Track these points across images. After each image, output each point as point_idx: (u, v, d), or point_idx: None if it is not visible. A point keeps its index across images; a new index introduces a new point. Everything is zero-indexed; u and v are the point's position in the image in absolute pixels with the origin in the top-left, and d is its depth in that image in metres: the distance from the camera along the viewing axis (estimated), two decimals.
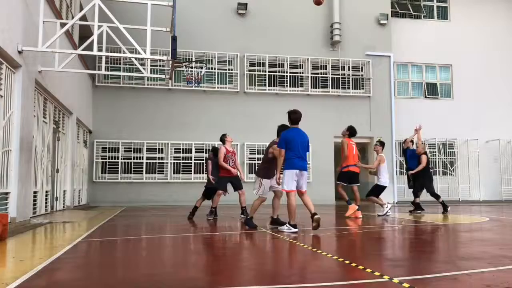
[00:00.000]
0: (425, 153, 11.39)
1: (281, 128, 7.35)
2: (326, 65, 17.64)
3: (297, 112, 6.87)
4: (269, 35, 17.17)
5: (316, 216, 6.49)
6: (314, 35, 17.73)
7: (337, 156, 18.19)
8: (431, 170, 11.73)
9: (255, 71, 17.11)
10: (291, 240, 5.81)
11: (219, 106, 16.42)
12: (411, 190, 11.59)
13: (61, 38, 9.48)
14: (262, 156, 16.62)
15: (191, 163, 16.08)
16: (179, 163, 16.15)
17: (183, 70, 14.47)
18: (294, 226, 6.57)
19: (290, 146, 6.63)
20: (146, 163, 15.92)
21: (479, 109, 19.05)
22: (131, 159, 15.88)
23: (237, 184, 9.31)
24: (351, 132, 9.72)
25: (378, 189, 10.11)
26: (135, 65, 10.45)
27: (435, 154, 18.72)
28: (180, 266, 4.28)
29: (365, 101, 17.73)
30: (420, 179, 11.17)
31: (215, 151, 9.41)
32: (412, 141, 11.68)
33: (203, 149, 16.11)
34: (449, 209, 11.01)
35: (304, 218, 7.98)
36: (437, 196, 11.13)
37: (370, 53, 17.92)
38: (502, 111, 19.33)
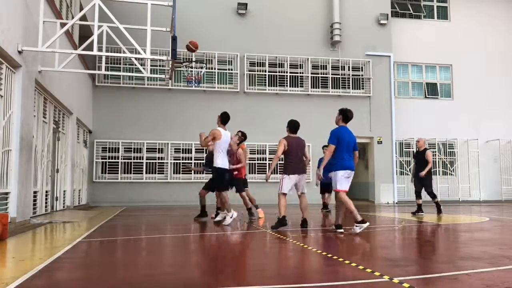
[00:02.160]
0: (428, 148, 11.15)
1: (291, 124, 7.56)
2: (326, 65, 17.63)
3: (352, 112, 6.78)
4: (269, 35, 17.17)
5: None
6: (314, 35, 17.72)
7: None
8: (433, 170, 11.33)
9: (255, 71, 17.11)
10: (291, 240, 5.81)
11: (219, 106, 16.29)
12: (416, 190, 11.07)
13: (61, 38, 9.48)
14: (262, 155, 16.68)
15: (191, 163, 16.07)
16: (179, 163, 16.15)
17: (183, 70, 14.45)
18: (363, 222, 6.45)
19: (341, 144, 6.52)
20: (146, 163, 15.92)
21: (479, 109, 19.05)
22: (131, 159, 15.88)
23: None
24: (245, 137, 9.42)
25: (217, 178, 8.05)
26: (135, 65, 10.45)
27: (435, 154, 18.71)
28: (180, 266, 4.28)
29: (365, 101, 17.72)
30: (425, 177, 10.60)
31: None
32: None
33: (203, 149, 16.08)
34: (423, 213, 10.54)
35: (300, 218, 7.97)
36: (434, 196, 10.73)
37: (370, 53, 17.91)
38: (502, 111, 19.32)
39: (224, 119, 8.14)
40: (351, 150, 6.62)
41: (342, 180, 6.52)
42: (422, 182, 10.64)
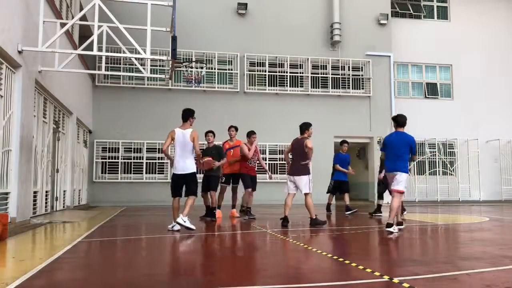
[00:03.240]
0: None
1: (304, 126, 7.85)
2: (326, 65, 17.63)
3: (403, 116, 7.10)
4: (269, 35, 17.16)
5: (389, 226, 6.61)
6: (314, 35, 17.72)
7: None
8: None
9: (255, 71, 17.10)
10: (291, 240, 5.81)
11: (219, 106, 16.41)
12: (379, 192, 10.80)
13: (61, 38, 9.47)
14: (262, 155, 16.66)
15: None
16: None
17: (183, 70, 14.46)
18: (400, 224, 7.08)
19: (387, 149, 7.02)
20: (146, 163, 15.91)
21: (479, 109, 19.04)
22: (131, 159, 15.88)
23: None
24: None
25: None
26: (135, 65, 10.44)
27: (435, 154, 18.72)
28: (180, 266, 4.28)
29: (365, 101, 17.72)
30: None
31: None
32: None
33: (202, 149, 16.05)
34: (381, 214, 10.12)
35: (303, 218, 7.98)
36: (382, 197, 10.55)
37: (370, 53, 17.91)
38: (502, 111, 19.31)
39: (182, 115, 7.27)
40: (399, 152, 6.82)
41: (389, 181, 7.04)
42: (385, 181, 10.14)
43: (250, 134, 9.60)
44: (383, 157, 7.14)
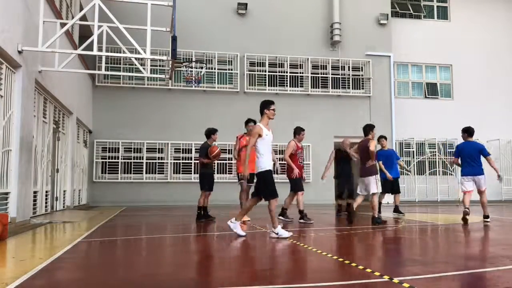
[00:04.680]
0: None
1: (368, 127, 8.55)
2: (326, 65, 17.63)
3: (473, 128, 8.43)
4: (269, 35, 17.17)
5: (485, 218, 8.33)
6: (314, 35, 17.73)
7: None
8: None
9: (255, 71, 17.10)
10: (291, 240, 5.81)
11: (219, 106, 16.41)
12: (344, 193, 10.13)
13: (61, 38, 9.47)
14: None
15: (191, 163, 16.07)
16: (179, 163, 16.15)
17: (183, 70, 14.45)
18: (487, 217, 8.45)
19: (461, 156, 8.40)
20: (146, 163, 15.92)
21: (479, 109, 19.03)
22: (131, 159, 15.88)
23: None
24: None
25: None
26: (135, 65, 10.45)
27: (435, 154, 18.72)
28: (180, 266, 4.27)
29: (365, 101, 17.73)
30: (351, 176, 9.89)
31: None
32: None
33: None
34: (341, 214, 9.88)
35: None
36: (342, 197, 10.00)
37: (370, 53, 17.91)
38: (502, 111, 19.32)
39: None
40: (474, 159, 8.26)
41: (463, 183, 8.43)
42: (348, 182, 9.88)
43: (300, 130, 8.83)
44: (455, 161, 8.70)
